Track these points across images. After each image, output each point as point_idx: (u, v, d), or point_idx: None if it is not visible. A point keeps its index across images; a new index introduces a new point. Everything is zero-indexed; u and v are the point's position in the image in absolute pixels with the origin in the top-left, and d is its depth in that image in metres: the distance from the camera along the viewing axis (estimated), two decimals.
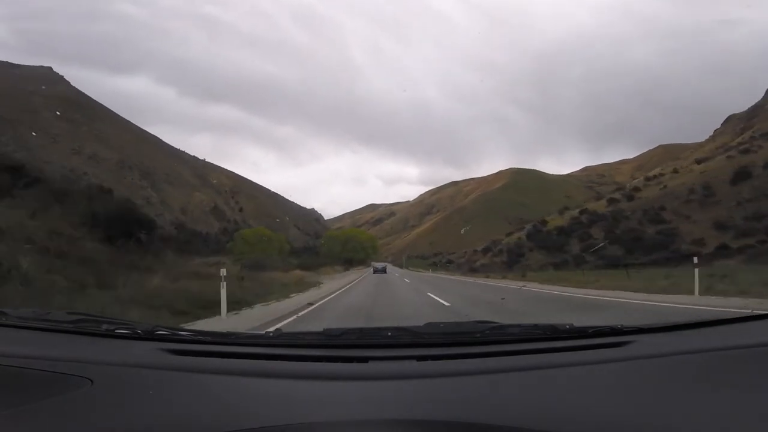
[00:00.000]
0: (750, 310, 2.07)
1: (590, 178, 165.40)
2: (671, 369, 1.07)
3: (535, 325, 1.40)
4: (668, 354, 1.14)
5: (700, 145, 77.85)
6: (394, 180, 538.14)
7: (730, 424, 0.81)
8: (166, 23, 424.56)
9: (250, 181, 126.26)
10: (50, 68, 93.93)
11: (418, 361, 1.15)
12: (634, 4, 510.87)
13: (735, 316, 1.39)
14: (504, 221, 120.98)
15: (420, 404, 0.91)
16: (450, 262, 74.69)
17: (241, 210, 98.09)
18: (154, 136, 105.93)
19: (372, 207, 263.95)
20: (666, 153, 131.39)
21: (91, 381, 0.95)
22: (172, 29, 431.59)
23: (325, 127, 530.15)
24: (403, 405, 0.91)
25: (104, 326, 1.28)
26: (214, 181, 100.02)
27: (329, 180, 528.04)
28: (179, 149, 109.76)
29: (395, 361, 1.17)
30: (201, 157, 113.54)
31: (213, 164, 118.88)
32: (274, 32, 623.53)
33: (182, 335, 1.30)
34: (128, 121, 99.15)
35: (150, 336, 1.25)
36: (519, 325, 1.43)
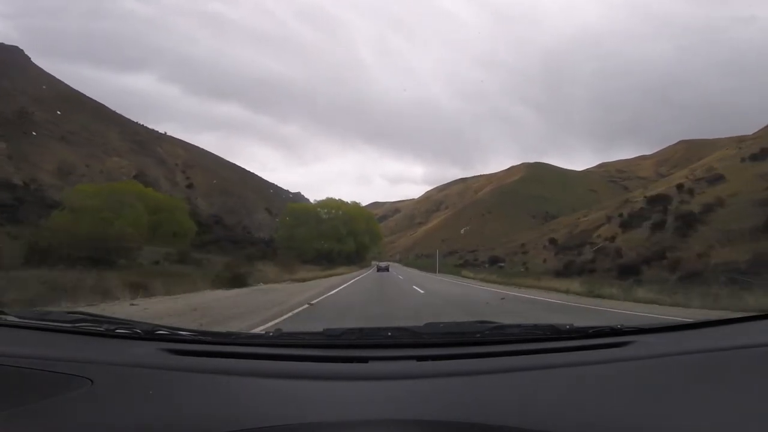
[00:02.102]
0: None
1: (609, 174, 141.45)
2: (671, 369, 1.06)
3: (535, 325, 1.41)
4: (668, 354, 1.14)
5: (756, 137, 52.13)
6: (399, 179, 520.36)
7: (729, 424, 0.81)
8: (172, 20, 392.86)
9: (216, 156, 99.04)
10: None
11: (418, 361, 1.15)
12: (644, 0, 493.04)
13: (735, 316, 1.40)
14: (526, 215, 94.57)
15: (420, 404, 0.90)
16: (498, 262, 46.38)
17: (189, 186, 70.32)
18: (86, 96, 77.36)
19: (375, 205, 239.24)
20: (689, 148, 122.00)
21: (91, 381, 0.94)
22: (178, 26, 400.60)
23: (330, 125, 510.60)
24: (403, 405, 0.90)
25: (104, 326, 1.29)
26: (160, 150, 72.00)
27: (334, 179, 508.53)
28: (122, 115, 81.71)
29: (395, 361, 1.17)
30: (161, 131, 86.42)
31: (172, 137, 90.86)
32: (279, 29, 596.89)
33: (182, 335, 1.31)
34: (49, 74, 71.10)
35: (150, 336, 1.26)
36: (519, 325, 1.44)
